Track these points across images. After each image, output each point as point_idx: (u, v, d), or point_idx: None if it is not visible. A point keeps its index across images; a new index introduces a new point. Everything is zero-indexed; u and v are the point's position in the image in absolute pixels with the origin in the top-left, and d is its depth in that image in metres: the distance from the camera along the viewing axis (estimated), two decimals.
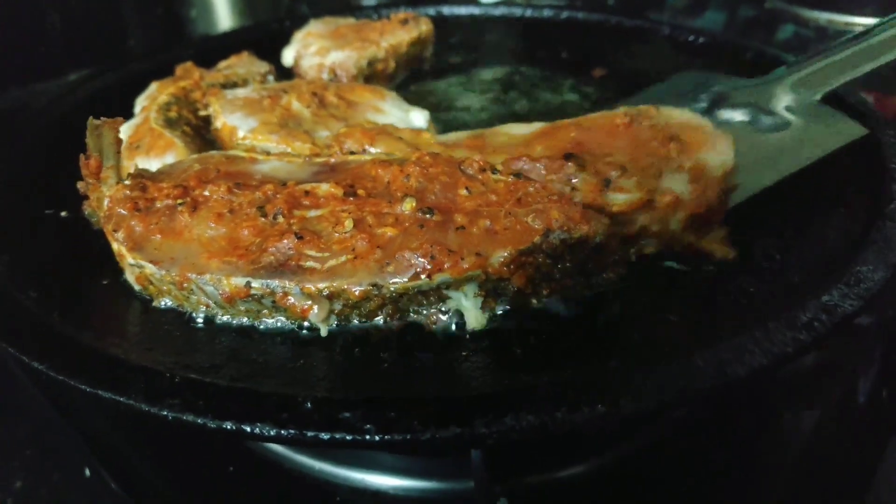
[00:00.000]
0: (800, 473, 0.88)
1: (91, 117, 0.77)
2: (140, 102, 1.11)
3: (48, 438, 0.99)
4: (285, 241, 0.70)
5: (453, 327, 0.71)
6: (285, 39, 1.39)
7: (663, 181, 0.79)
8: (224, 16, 2.21)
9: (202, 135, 1.04)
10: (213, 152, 0.87)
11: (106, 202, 0.76)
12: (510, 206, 0.73)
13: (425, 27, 1.39)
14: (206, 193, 0.76)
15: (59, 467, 0.94)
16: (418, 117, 1.09)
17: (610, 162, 0.79)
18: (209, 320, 0.73)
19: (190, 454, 0.91)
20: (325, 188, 0.77)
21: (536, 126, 0.92)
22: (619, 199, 0.76)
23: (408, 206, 0.73)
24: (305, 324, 0.71)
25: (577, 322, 0.73)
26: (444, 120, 1.22)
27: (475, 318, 0.70)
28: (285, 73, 1.33)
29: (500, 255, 0.69)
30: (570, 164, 0.77)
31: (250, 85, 1.17)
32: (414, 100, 1.17)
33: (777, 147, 0.93)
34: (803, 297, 0.67)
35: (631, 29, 1.46)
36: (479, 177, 0.77)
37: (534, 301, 0.73)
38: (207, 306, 0.72)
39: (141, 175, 0.79)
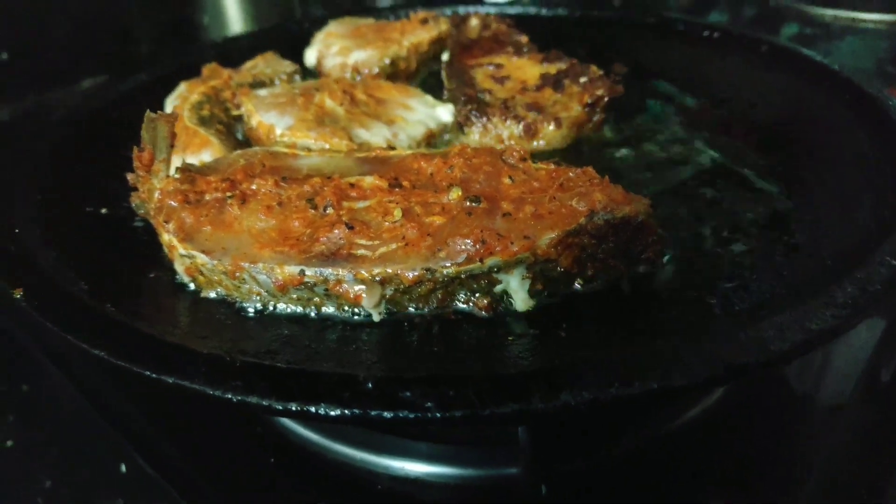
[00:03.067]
0: (828, 453, 0.90)
1: (148, 111, 0.79)
2: (171, 102, 1.13)
3: (76, 437, 1.00)
4: (336, 230, 0.71)
5: (501, 311, 0.73)
6: (305, 41, 1.42)
7: None
8: (235, 21, 2.23)
9: (233, 133, 1.06)
10: (257, 148, 0.89)
11: (156, 194, 0.78)
12: (554, 191, 0.75)
13: (445, 26, 1.41)
14: (254, 187, 0.78)
15: (89, 465, 0.95)
16: (444, 112, 1.11)
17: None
18: (259, 310, 0.74)
19: (231, 446, 0.92)
20: (369, 180, 0.78)
21: None
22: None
23: (454, 195, 0.74)
24: (356, 311, 0.73)
25: (618, 304, 0.75)
26: None
27: (523, 301, 0.72)
28: (308, 74, 1.36)
29: (547, 237, 0.70)
30: None
31: (277, 84, 1.19)
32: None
33: None
34: (839, 277, 0.69)
35: (646, 26, 1.49)
36: (521, 166, 0.79)
37: (578, 282, 0.75)
38: (259, 295, 0.74)
39: (189, 168, 0.81)
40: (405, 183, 0.78)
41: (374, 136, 0.99)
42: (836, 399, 0.98)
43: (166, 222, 0.75)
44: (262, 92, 1.10)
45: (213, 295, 0.77)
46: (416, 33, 1.35)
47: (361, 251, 0.71)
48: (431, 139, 1.06)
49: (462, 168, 0.78)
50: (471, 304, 0.73)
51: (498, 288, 0.72)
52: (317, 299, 0.73)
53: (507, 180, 0.77)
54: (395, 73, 1.32)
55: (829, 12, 2.27)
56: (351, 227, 0.72)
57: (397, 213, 0.73)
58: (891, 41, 2.22)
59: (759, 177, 0.99)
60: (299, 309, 0.74)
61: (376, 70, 1.30)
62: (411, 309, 0.73)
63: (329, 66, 1.31)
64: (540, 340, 0.69)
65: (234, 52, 1.41)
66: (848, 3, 2.25)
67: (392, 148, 0.98)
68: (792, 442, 0.93)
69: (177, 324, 0.72)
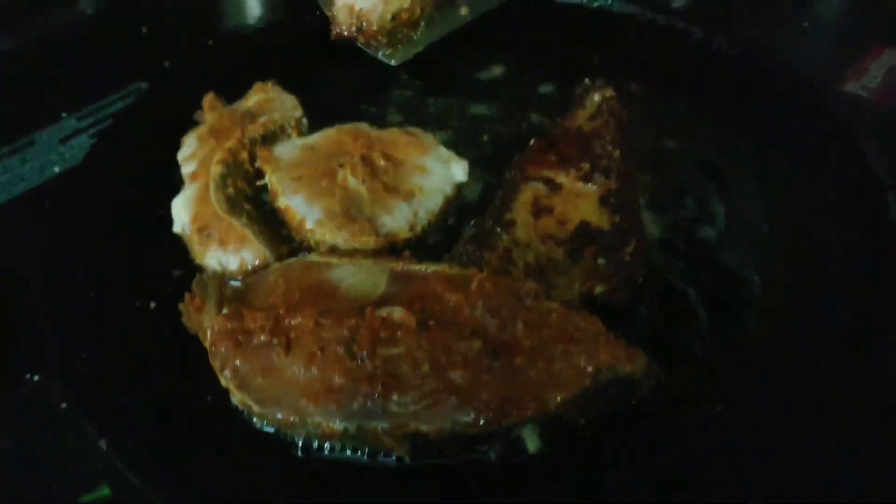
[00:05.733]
0: None
1: (198, 275, 0.86)
2: (186, 164, 1.13)
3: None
4: (373, 388, 0.81)
5: (513, 457, 0.84)
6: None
7: None
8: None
9: (263, 209, 1.10)
10: (292, 261, 0.97)
11: (209, 332, 0.86)
12: (565, 344, 0.83)
13: None
14: (295, 323, 0.85)
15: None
16: (458, 171, 1.15)
17: None
18: (306, 448, 0.85)
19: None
20: (398, 314, 0.86)
21: None
22: None
23: (475, 345, 0.83)
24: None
25: (622, 436, 0.85)
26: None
27: (534, 444, 0.84)
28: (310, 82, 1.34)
29: (557, 399, 0.81)
30: None
31: (292, 137, 1.19)
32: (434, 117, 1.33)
33: None
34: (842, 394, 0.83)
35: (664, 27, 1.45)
36: (535, 306, 0.86)
37: (582, 421, 0.86)
38: (306, 435, 0.85)
39: (235, 297, 0.89)
40: (431, 322, 0.85)
41: (397, 220, 1.05)
42: None
43: (222, 370, 0.84)
44: (280, 150, 1.12)
45: (263, 424, 0.87)
46: None
47: (395, 408, 0.81)
48: (449, 205, 1.12)
49: (482, 310, 0.86)
50: (488, 451, 0.84)
51: (511, 434, 0.84)
52: (355, 443, 0.84)
53: (521, 325, 0.85)
54: (396, 28, 1.41)
55: None
56: (386, 385, 0.81)
57: (426, 369, 0.82)
58: None
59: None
60: (339, 446, 0.85)
61: (374, 27, 1.38)
62: (437, 454, 0.84)
63: (339, 5, 1.40)
64: (553, 485, 0.82)
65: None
66: None
67: (414, 232, 1.05)
68: None
69: (231, 465, 0.83)
